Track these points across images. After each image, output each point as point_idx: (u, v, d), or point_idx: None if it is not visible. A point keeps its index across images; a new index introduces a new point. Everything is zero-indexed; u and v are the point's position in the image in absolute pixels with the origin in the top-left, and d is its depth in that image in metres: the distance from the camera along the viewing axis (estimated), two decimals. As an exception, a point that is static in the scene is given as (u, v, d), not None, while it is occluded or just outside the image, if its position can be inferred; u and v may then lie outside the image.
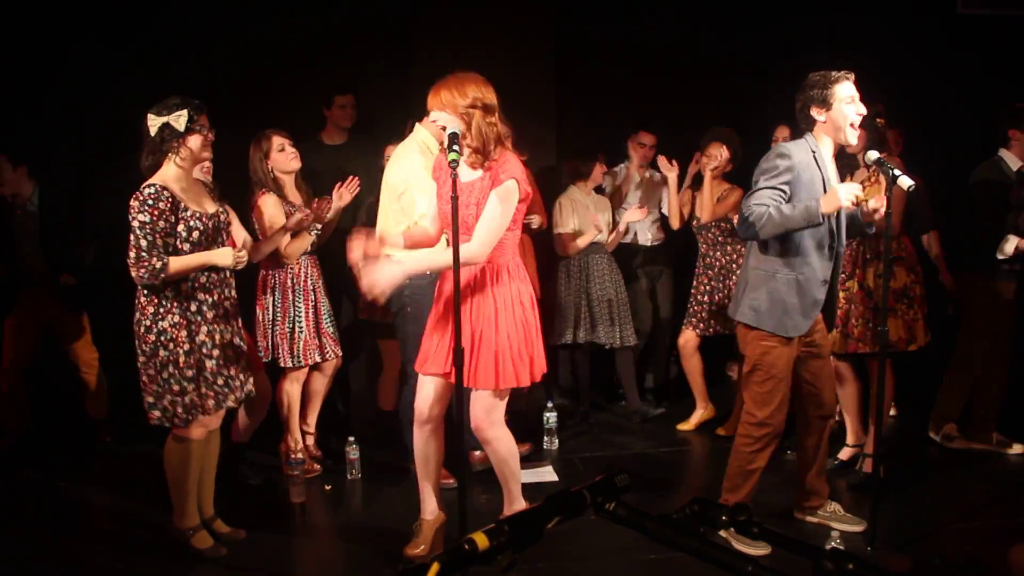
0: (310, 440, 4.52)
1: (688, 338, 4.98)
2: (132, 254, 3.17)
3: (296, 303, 4.18)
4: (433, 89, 3.11)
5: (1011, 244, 4.29)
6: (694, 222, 4.95)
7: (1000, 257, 4.33)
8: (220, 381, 3.36)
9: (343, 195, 4.23)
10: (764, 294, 3.34)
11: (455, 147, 2.89)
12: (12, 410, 4.68)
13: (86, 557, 3.53)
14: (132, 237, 3.18)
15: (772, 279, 3.32)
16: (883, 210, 3.25)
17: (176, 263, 3.20)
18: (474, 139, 3.04)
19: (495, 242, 3.08)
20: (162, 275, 3.18)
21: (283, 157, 4.15)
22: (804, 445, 3.63)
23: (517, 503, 3.46)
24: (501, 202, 3.05)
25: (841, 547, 3.07)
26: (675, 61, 5.66)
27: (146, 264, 3.16)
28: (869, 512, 3.49)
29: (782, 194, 3.21)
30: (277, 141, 4.14)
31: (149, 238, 3.16)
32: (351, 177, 4.26)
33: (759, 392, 3.39)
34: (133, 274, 3.19)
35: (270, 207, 4.09)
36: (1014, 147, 4.40)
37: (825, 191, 3.23)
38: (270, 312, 4.17)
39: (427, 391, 3.31)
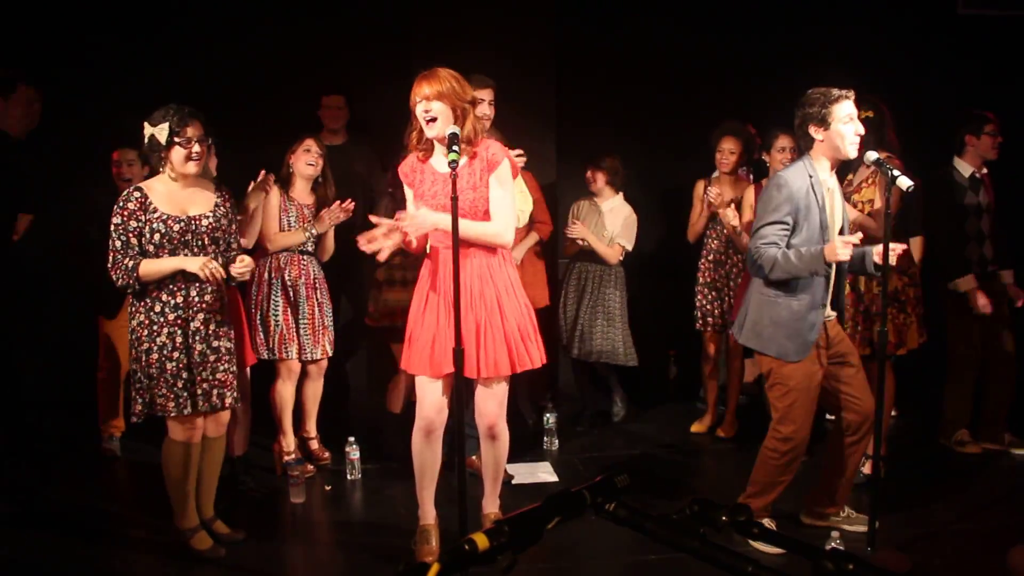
0: (315, 444, 4.52)
1: (708, 339, 4.94)
2: (110, 257, 3.22)
3: (273, 296, 4.16)
4: (426, 80, 3.11)
5: (966, 284, 4.36)
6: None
7: (950, 288, 4.42)
8: (179, 384, 3.28)
9: (338, 215, 4.19)
10: (766, 319, 3.38)
11: (455, 147, 2.92)
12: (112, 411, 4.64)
13: (86, 557, 3.53)
14: (109, 241, 3.23)
15: (774, 305, 3.35)
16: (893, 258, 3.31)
17: (147, 265, 3.21)
18: (467, 132, 3.14)
19: (514, 222, 3.23)
20: (135, 275, 3.19)
21: (304, 157, 4.20)
22: (837, 452, 3.56)
23: (494, 503, 3.56)
24: (503, 183, 3.20)
25: (841, 547, 3.07)
26: (676, 63, 5.64)
27: (120, 265, 3.20)
28: (869, 512, 3.49)
29: (785, 227, 3.26)
30: (307, 142, 4.23)
31: (123, 238, 3.20)
32: (348, 200, 4.24)
33: (781, 407, 3.41)
34: (112, 277, 3.23)
35: (270, 199, 4.13)
36: (968, 153, 4.45)
37: (822, 219, 3.28)
38: (249, 304, 4.18)
39: (435, 397, 3.29)
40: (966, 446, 4.60)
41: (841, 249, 3.13)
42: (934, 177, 4.45)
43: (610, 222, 4.94)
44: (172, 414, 3.30)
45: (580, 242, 4.90)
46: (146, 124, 3.26)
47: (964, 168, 4.46)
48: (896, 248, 3.31)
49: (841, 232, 3.41)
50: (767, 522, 3.54)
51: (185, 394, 3.30)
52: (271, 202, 4.14)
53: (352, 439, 4.34)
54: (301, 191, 4.27)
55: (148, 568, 3.45)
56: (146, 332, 3.25)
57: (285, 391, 4.28)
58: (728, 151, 4.73)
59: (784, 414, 3.39)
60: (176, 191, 3.30)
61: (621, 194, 5.00)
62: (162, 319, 3.26)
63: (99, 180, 4.48)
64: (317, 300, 4.29)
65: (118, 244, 3.21)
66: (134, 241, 3.21)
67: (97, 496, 4.17)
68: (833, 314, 3.47)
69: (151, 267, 3.21)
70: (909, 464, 4.39)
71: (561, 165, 5.40)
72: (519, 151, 4.00)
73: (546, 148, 5.33)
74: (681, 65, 5.64)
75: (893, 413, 4.80)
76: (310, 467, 4.37)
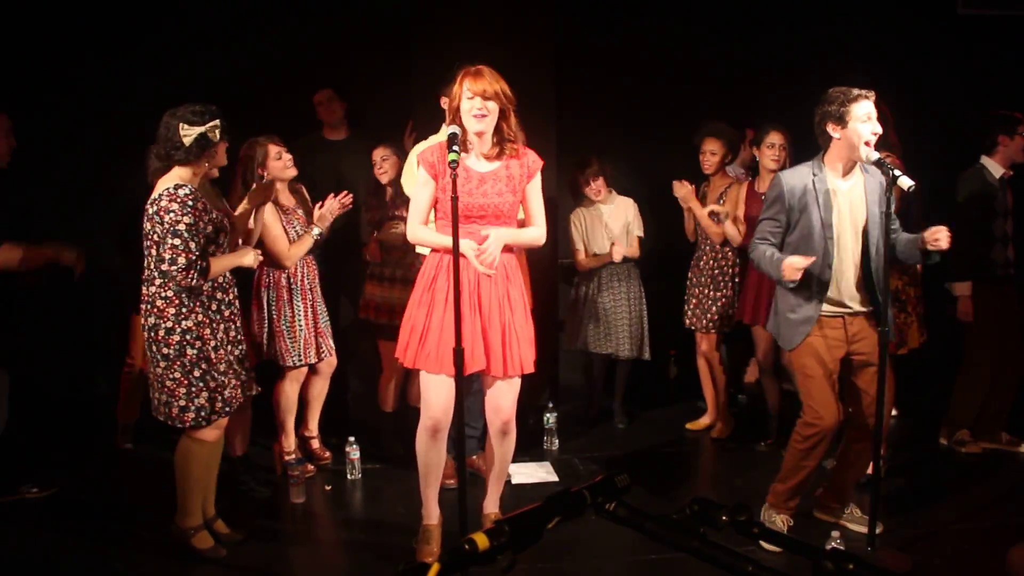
0: (315, 443, 4.51)
1: (700, 340, 4.93)
2: (182, 259, 3.11)
3: (295, 302, 4.15)
4: (481, 77, 3.11)
5: (962, 290, 4.38)
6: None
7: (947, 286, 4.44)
8: (242, 373, 3.42)
9: (334, 208, 4.13)
10: (775, 306, 3.58)
11: (455, 147, 2.94)
12: (131, 406, 4.66)
13: (86, 556, 3.53)
14: (178, 241, 3.11)
15: (780, 294, 3.55)
16: (944, 241, 3.29)
17: (214, 265, 3.24)
18: (512, 131, 3.22)
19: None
20: (207, 275, 3.20)
21: (279, 165, 4.06)
22: (845, 449, 3.66)
23: (495, 503, 3.57)
24: (539, 189, 3.32)
25: (841, 547, 3.07)
26: (676, 62, 5.64)
27: (196, 267, 3.14)
28: (869, 512, 3.49)
29: (775, 223, 3.45)
30: (273, 150, 4.04)
31: (196, 239, 3.15)
32: (344, 192, 4.18)
33: (801, 391, 3.55)
34: (180, 278, 3.12)
35: (267, 215, 4.01)
36: (999, 153, 4.43)
37: (823, 218, 3.35)
38: (266, 311, 4.12)
39: (446, 397, 3.26)
40: (966, 446, 4.59)
41: (790, 270, 3.25)
42: (968, 175, 4.43)
43: (617, 222, 4.95)
44: (243, 400, 3.45)
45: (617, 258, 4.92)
46: (183, 124, 3.17)
47: (995, 169, 4.43)
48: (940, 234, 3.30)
49: (866, 235, 3.40)
50: (784, 519, 3.57)
51: (245, 380, 3.44)
52: (270, 220, 4.00)
53: (352, 439, 4.34)
54: (284, 196, 4.17)
55: (148, 568, 3.45)
56: (208, 330, 3.27)
57: (292, 392, 4.27)
58: (710, 152, 4.73)
59: (805, 400, 3.52)
60: (200, 187, 3.29)
61: (613, 190, 5.03)
62: (218, 316, 3.32)
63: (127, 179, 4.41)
64: (320, 297, 4.30)
65: (192, 246, 3.13)
66: (202, 241, 3.18)
67: (97, 495, 4.16)
68: (857, 310, 3.44)
69: (217, 266, 3.25)
70: (909, 464, 4.40)
71: (561, 161, 5.40)
72: None
73: (546, 145, 5.31)
74: (683, 62, 5.64)
75: (893, 413, 4.80)
76: (310, 467, 4.37)
